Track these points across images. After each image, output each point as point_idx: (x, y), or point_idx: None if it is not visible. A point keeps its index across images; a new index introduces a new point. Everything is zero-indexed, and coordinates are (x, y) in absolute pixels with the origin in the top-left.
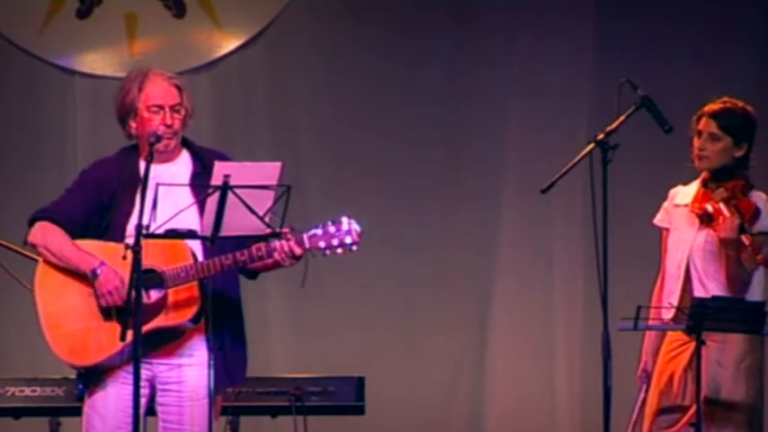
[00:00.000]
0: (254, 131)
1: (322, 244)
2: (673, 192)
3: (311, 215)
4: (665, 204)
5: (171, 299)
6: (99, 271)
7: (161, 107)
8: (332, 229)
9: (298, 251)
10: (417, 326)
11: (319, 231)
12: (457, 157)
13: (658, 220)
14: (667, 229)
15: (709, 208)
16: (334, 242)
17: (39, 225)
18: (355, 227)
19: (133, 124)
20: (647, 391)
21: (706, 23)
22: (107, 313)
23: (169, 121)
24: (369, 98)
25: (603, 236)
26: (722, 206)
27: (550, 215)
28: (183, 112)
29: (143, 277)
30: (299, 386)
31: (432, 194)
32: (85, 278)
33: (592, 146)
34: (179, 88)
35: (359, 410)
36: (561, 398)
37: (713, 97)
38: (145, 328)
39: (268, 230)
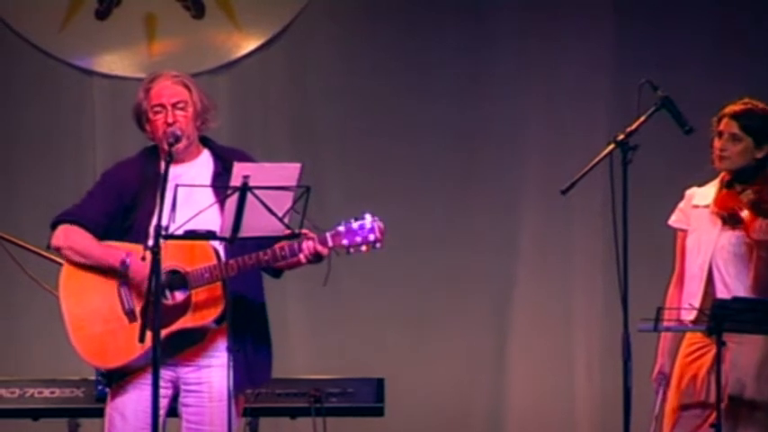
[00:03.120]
0: (273, 132)
1: (345, 242)
2: (689, 193)
3: (330, 216)
4: (681, 205)
5: (195, 300)
6: (128, 261)
7: (163, 106)
8: (355, 226)
9: (323, 251)
10: (437, 327)
11: (342, 229)
12: (475, 158)
13: (674, 221)
14: (684, 231)
15: (744, 211)
16: (358, 240)
17: (61, 228)
18: (379, 224)
19: (147, 128)
20: (665, 394)
21: (724, 24)
22: (131, 315)
23: (170, 119)
24: (387, 99)
25: (624, 237)
26: (749, 209)
27: (570, 216)
28: (189, 110)
29: (166, 278)
30: (319, 387)
31: (450, 195)
32: (110, 278)
33: (612, 146)
34: (186, 86)
35: (378, 412)
36: (581, 399)
37: (733, 98)
38: (169, 330)
39: (287, 231)
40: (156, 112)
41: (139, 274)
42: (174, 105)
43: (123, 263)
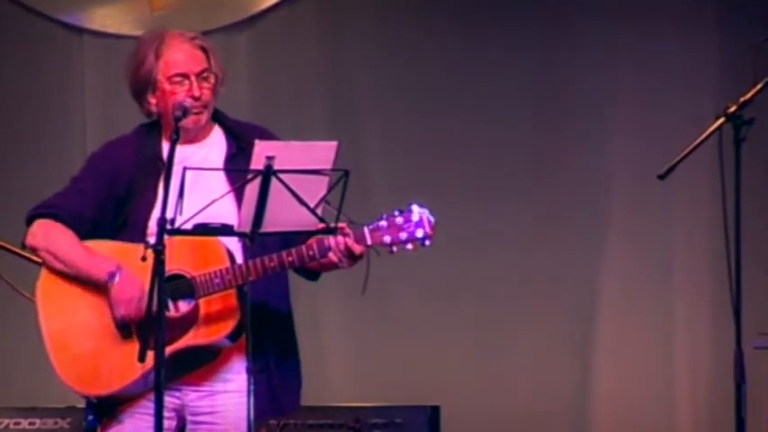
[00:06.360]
0: (303, 104)
1: (387, 239)
2: None
3: (372, 205)
4: None
5: (203, 311)
6: (117, 277)
7: (185, 76)
8: (399, 220)
9: (358, 249)
10: (504, 343)
11: (384, 223)
12: (551, 140)
13: None
14: None
15: None
16: (403, 236)
17: (39, 224)
18: (428, 217)
19: (153, 100)
20: None
21: None
22: (126, 331)
23: (197, 93)
24: (443, 67)
25: (736, 231)
26: None
27: (670, 206)
28: (212, 79)
29: (169, 285)
30: (360, 417)
31: (521, 183)
32: (99, 287)
33: (721, 121)
34: (205, 50)
35: None
36: (684, 431)
37: None
38: (172, 348)
39: (321, 225)
40: (176, 83)
41: (118, 294)
42: (198, 75)
43: (111, 275)
